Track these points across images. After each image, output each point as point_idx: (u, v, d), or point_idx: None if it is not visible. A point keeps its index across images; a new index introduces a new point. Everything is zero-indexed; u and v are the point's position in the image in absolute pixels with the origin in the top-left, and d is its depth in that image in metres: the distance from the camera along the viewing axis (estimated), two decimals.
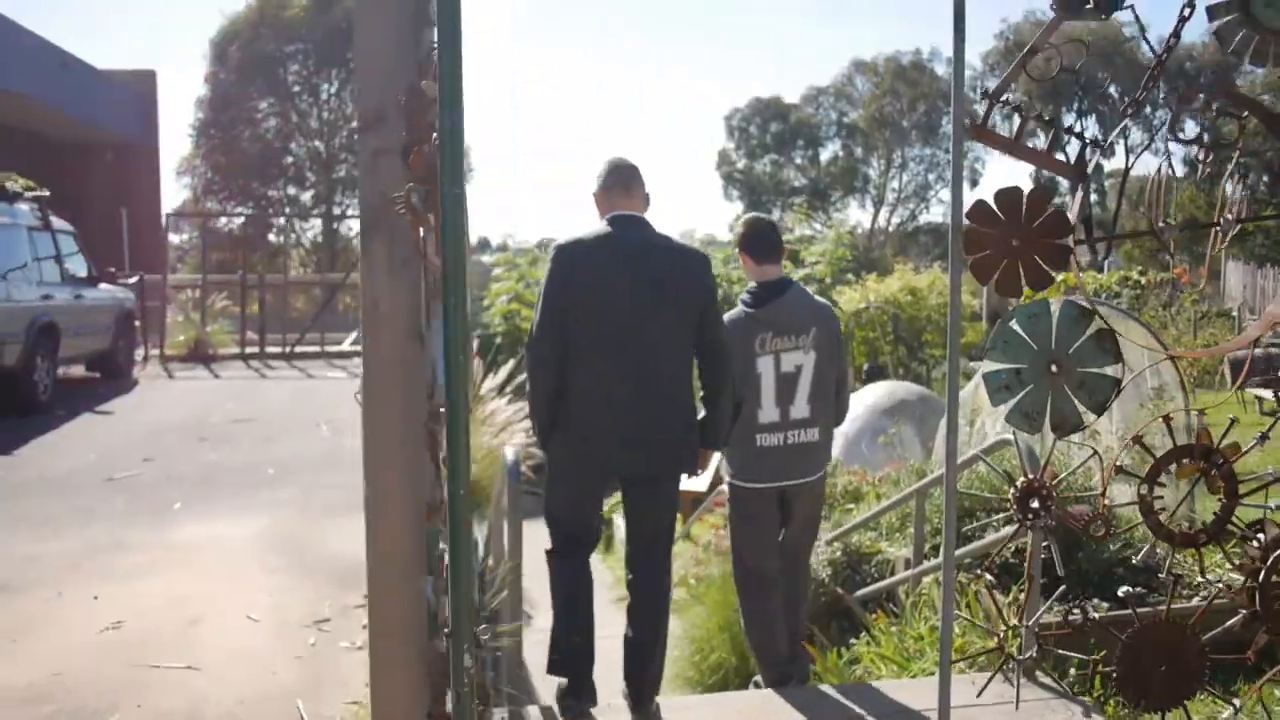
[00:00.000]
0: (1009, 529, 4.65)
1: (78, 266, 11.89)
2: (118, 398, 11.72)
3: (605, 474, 3.56)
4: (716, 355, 3.52)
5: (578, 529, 3.56)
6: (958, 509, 5.46)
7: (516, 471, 3.77)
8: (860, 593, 5.73)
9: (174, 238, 28.55)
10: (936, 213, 44.71)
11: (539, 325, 3.42)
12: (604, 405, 3.37)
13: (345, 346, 16.20)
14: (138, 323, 13.80)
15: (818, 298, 4.14)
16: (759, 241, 4.07)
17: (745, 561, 4.20)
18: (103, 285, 12.42)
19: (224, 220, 30.82)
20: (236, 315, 16.68)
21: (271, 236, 30.27)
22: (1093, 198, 2.53)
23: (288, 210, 32.58)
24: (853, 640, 5.38)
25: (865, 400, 11.75)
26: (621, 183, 3.57)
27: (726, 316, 3.84)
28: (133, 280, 14.81)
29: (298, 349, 15.84)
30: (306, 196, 33.39)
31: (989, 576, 4.75)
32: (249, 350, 15.68)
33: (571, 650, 3.50)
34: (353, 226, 30.22)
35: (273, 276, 17.93)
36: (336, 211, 32.41)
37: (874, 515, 5.86)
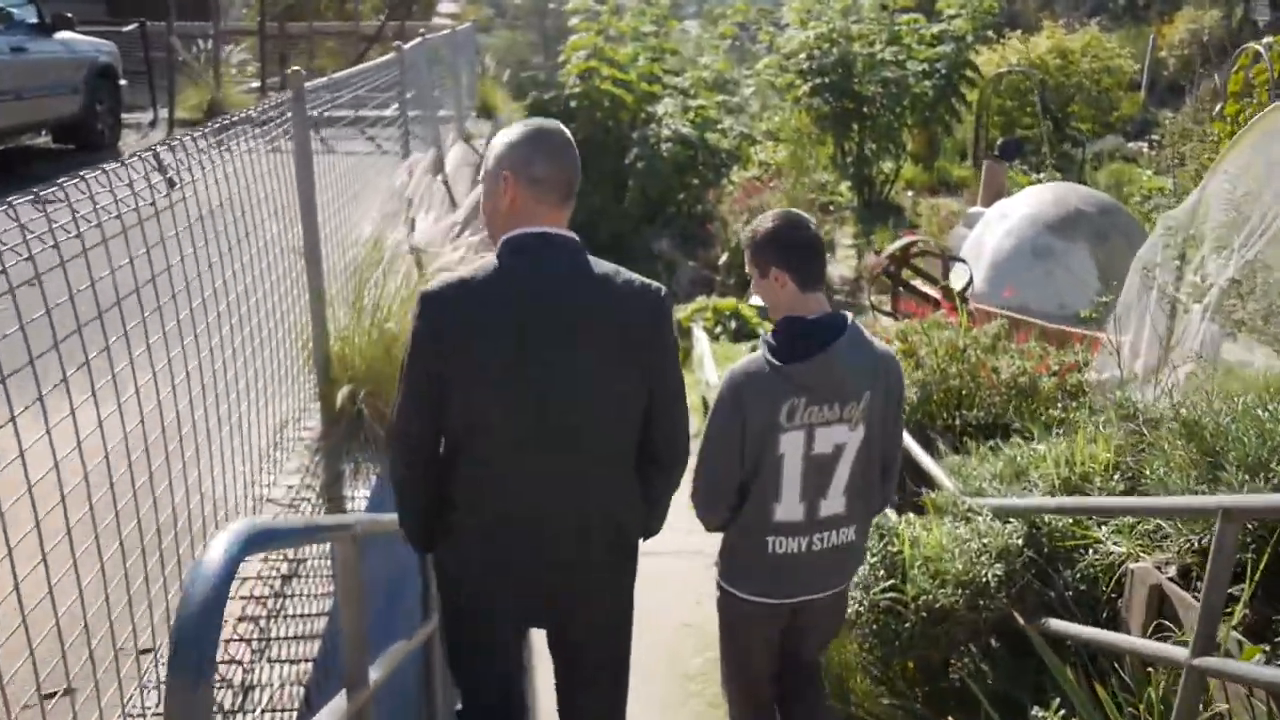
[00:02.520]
0: None
1: (25, 13, 9.47)
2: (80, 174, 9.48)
3: (511, 617, 2.50)
4: (662, 434, 2.42)
5: (487, 693, 2.56)
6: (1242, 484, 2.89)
7: None
8: (1054, 624, 3.29)
9: None
10: None
11: (399, 409, 2.33)
12: (497, 522, 2.34)
13: (389, 111, 13.63)
14: (123, 81, 11.42)
15: (878, 342, 2.84)
16: (796, 254, 2.73)
17: (735, 685, 3.15)
18: (63, 35, 9.97)
19: None
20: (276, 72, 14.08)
21: None
22: None
23: None
24: (1036, 712, 3.03)
25: (1021, 208, 8.85)
26: (568, 180, 2.34)
27: (739, 365, 2.76)
28: (128, 28, 12.34)
29: (326, 113, 13.29)
30: None
31: None
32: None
33: None
34: None
35: (295, 25, 15.08)
36: None
37: (1098, 509, 3.29)
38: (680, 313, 14.24)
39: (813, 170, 17.45)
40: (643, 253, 18.26)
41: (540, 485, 2.33)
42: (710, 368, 11.91)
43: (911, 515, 3.93)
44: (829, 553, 2.80)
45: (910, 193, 19.65)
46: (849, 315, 2.73)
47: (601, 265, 2.33)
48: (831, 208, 17.97)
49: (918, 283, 6.84)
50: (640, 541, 2.55)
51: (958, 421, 4.97)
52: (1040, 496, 3.66)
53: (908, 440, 4.56)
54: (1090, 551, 3.38)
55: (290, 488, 3.37)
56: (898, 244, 6.36)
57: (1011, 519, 3.58)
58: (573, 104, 19.33)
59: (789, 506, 2.71)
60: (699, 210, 18.71)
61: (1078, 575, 3.40)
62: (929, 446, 4.82)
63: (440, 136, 9.02)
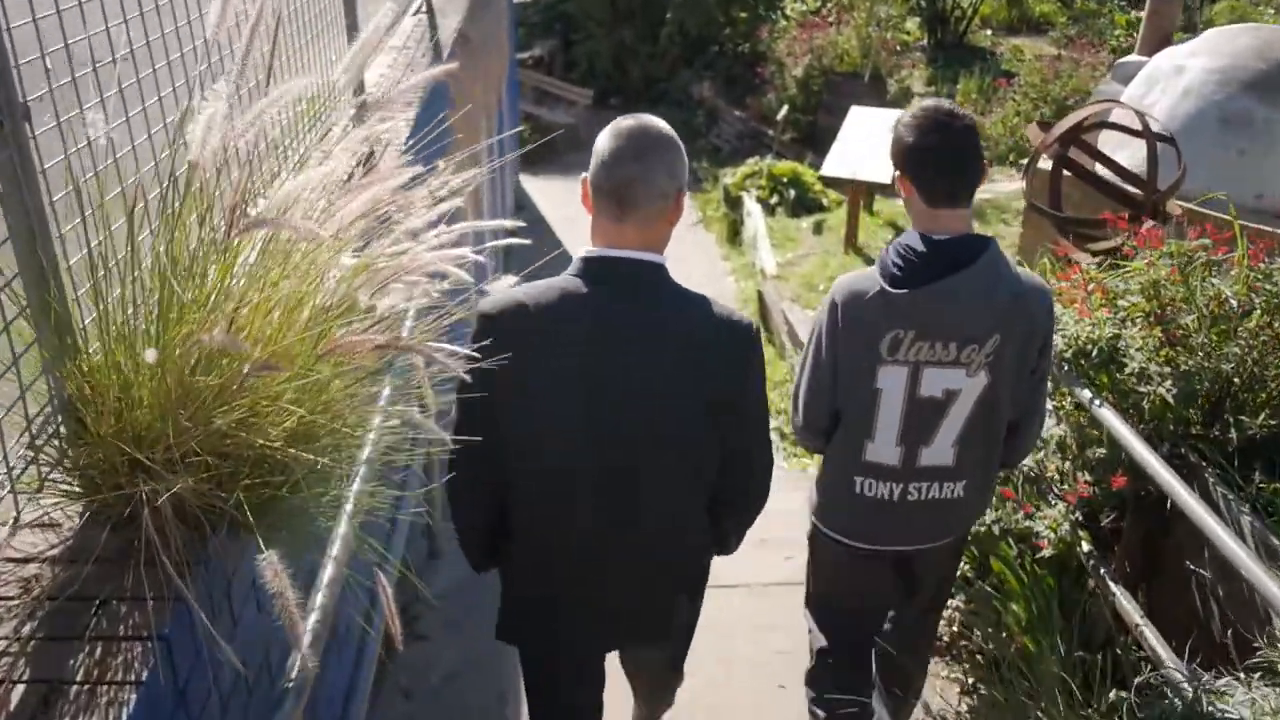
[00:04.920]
0: None
1: None
2: None
3: (571, 651, 2.34)
4: (736, 481, 2.17)
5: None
6: None
7: None
8: None
9: None
10: None
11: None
12: (553, 564, 2.21)
13: None
14: None
15: (1024, 274, 2.28)
16: (921, 161, 2.22)
17: (814, 616, 2.76)
18: None
19: None
20: None
21: None
22: None
23: None
24: None
25: (1205, 58, 6.57)
26: (614, 189, 1.94)
27: (846, 279, 2.32)
28: None
29: None
30: None
31: None
32: None
33: None
34: None
35: None
36: None
37: None
38: (728, 177, 12.04)
39: (888, 3, 14.86)
40: (680, 98, 15.92)
41: (595, 525, 2.12)
42: (766, 250, 9.83)
43: (1257, 697, 2.02)
44: (927, 505, 2.43)
45: (988, 31, 17.06)
46: (991, 239, 2.22)
47: (683, 295, 2.02)
48: (900, 48, 15.45)
49: (1100, 170, 4.77)
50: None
51: (1232, 434, 2.99)
52: None
53: (1186, 498, 2.62)
54: None
55: None
56: (1077, 115, 4.27)
57: None
58: None
59: (883, 448, 2.35)
60: (746, 50, 16.21)
61: None
62: (1191, 479, 2.86)
63: None
